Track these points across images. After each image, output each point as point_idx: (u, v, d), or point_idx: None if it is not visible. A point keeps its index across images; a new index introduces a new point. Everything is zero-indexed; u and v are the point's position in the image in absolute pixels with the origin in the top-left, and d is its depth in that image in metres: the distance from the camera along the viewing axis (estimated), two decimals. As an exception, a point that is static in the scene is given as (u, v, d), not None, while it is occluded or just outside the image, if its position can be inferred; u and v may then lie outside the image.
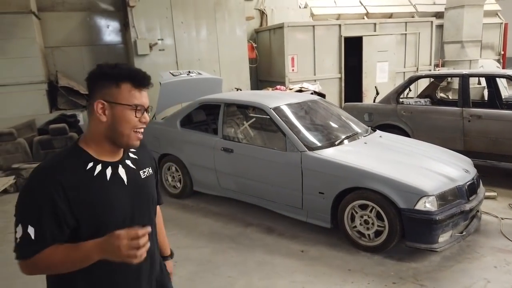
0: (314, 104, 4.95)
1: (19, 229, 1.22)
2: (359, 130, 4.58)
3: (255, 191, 4.39)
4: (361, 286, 3.15)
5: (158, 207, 1.69)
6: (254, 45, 9.27)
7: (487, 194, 4.73)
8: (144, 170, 1.48)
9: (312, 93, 7.33)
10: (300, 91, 7.61)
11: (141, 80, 1.34)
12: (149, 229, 1.18)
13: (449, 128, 5.55)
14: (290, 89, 7.82)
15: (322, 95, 7.56)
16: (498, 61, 12.09)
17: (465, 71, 5.89)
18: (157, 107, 5.66)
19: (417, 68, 10.11)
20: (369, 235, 3.62)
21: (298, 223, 4.15)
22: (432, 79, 7.07)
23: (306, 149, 3.96)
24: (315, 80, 8.65)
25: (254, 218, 4.43)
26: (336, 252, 3.68)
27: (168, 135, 5.25)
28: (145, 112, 1.36)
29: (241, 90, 8.07)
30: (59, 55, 8.13)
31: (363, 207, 3.62)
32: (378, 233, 3.57)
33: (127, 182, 1.38)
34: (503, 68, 11.86)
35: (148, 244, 1.18)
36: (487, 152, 5.37)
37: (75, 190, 1.25)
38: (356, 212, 3.66)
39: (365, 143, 4.25)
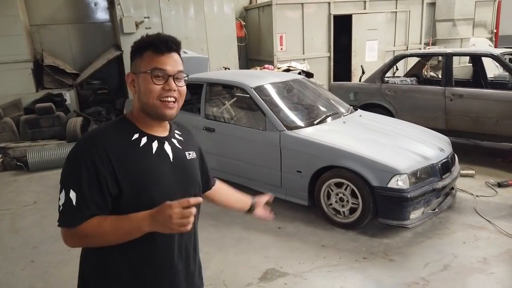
0: (297, 83, 4.97)
1: (62, 195, 1.20)
2: (340, 110, 4.62)
3: (236, 170, 4.45)
4: (333, 261, 3.25)
5: (218, 181, 1.71)
6: (243, 23, 9.18)
7: (466, 172, 4.84)
8: (190, 152, 1.43)
9: (300, 73, 7.32)
10: (288, 70, 7.59)
11: (160, 44, 1.26)
12: (200, 199, 1.17)
13: (432, 107, 5.60)
14: (278, 68, 7.80)
15: (310, 74, 7.57)
16: (490, 39, 12.03)
17: (449, 50, 5.91)
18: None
19: (407, 47, 10.07)
20: (344, 212, 3.72)
21: (277, 201, 4.18)
22: (418, 58, 7.06)
23: (285, 128, 4.01)
24: (304, 59, 8.62)
25: (235, 196, 4.51)
26: (312, 229, 3.78)
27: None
28: (170, 79, 1.26)
29: (229, 69, 8.05)
30: (45, 33, 8.04)
31: (339, 185, 3.70)
32: (352, 210, 3.67)
33: (172, 159, 1.34)
34: (495, 46, 11.82)
35: (194, 210, 1.12)
36: (468, 131, 5.44)
37: (119, 157, 1.22)
38: (332, 190, 3.74)
39: (343, 122, 4.30)
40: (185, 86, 1.33)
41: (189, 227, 1.12)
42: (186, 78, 1.33)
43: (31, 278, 3.19)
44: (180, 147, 1.40)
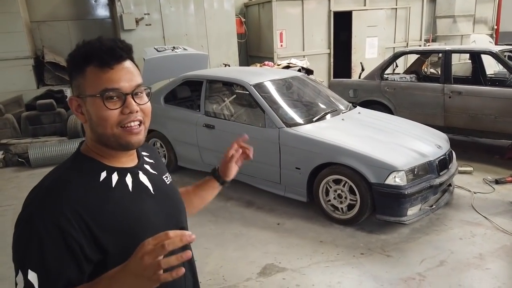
0: (297, 80, 5.00)
1: (19, 279, 0.89)
2: (339, 107, 4.65)
3: (236, 167, 4.49)
4: (331, 256, 3.30)
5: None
6: (243, 19, 9.19)
7: (464, 169, 4.88)
8: (166, 175, 1.19)
9: (300, 69, 7.34)
10: (287, 67, 7.61)
11: (104, 55, 0.95)
12: (186, 233, 0.81)
13: (431, 104, 5.63)
14: (278, 65, 7.82)
15: (310, 71, 7.59)
16: (491, 36, 12.03)
17: (448, 47, 5.93)
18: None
19: (407, 44, 10.08)
20: (342, 208, 3.76)
21: (276, 197, 4.28)
22: (418, 55, 7.08)
23: (284, 125, 4.04)
24: (304, 56, 8.64)
25: (235, 193, 4.55)
26: (311, 225, 3.82)
27: (152, 111, 5.29)
28: (128, 98, 0.97)
29: (229, 66, 8.07)
30: (45, 29, 8.06)
31: (337, 181, 3.74)
32: (350, 207, 3.71)
33: (153, 191, 1.08)
34: (496, 43, 11.81)
35: (189, 254, 0.80)
36: (467, 128, 5.47)
37: (93, 210, 0.93)
38: (330, 187, 3.78)
39: (342, 119, 4.33)
40: (149, 102, 1.04)
41: (176, 272, 0.79)
42: (149, 91, 1.05)
43: (33, 273, 3.23)
44: (155, 172, 1.14)
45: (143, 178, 1.08)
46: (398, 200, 3.44)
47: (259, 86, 4.42)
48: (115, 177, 1.01)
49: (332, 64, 9.20)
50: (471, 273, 3.03)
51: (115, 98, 0.96)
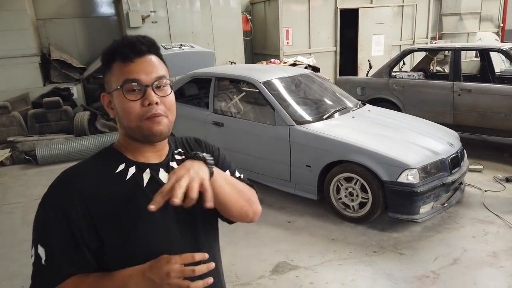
0: (305, 78, 4.97)
1: (32, 251, 0.97)
2: (348, 104, 4.63)
3: (245, 165, 4.47)
4: (343, 254, 3.28)
5: None
6: (249, 17, 9.16)
7: (473, 167, 4.84)
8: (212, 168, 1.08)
9: (306, 67, 7.32)
10: (294, 64, 7.59)
11: (125, 49, 0.99)
12: (206, 256, 0.90)
13: (440, 102, 5.60)
14: (284, 63, 7.79)
15: (316, 69, 7.56)
16: (497, 33, 11.96)
17: (457, 44, 5.88)
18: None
19: (413, 41, 10.03)
20: (353, 206, 3.74)
21: (286, 195, 4.26)
22: (426, 53, 7.04)
23: (294, 123, 4.02)
24: (310, 53, 8.61)
25: (244, 190, 4.53)
26: (322, 223, 3.81)
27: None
28: (148, 90, 0.99)
29: (235, 63, 8.05)
30: (51, 27, 8.05)
31: (348, 179, 3.72)
32: (362, 205, 3.69)
33: None
34: (502, 41, 11.75)
35: (211, 280, 0.89)
36: (476, 125, 5.44)
37: (98, 198, 0.98)
38: (342, 185, 3.76)
39: (353, 117, 4.31)
40: (172, 95, 1.04)
41: None
42: (171, 84, 1.05)
43: (45, 270, 3.22)
44: None
45: (162, 175, 1.06)
46: (411, 198, 3.41)
47: (268, 84, 4.40)
48: (131, 171, 1.03)
49: (338, 61, 9.16)
50: (485, 271, 3.01)
51: (136, 90, 0.99)
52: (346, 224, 3.75)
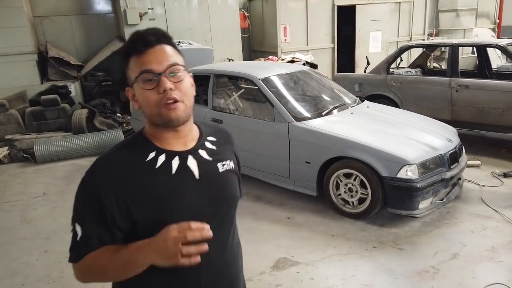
0: (304, 75, 4.98)
1: (72, 227, 1.08)
2: (347, 101, 4.64)
3: (244, 161, 4.43)
4: (343, 250, 3.30)
5: None
6: (246, 14, 9.15)
7: (471, 162, 4.87)
8: (224, 162, 1.20)
9: (304, 64, 7.32)
10: (292, 61, 7.59)
11: (137, 44, 1.07)
12: (206, 226, 0.93)
13: (437, 98, 5.62)
14: (282, 60, 7.79)
15: (314, 66, 7.56)
16: (493, 30, 12.00)
17: (455, 40, 5.91)
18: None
19: (411, 38, 10.05)
20: (353, 202, 3.75)
21: (285, 192, 4.27)
22: (423, 49, 7.06)
23: (293, 119, 4.03)
24: (307, 50, 8.61)
25: (244, 187, 4.52)
26: (321, 219, 3.82)
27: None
28: (161, 78, 1.05)
29: (233, 60, 8.04)
30: (48, 24, 8.01)
31: (348, 175, 3.74)
32: (361, 201, 3.70)
33: (199, 176, 1.12)
34: (498, 37, 11.79)
35: (206, 247, 0.93)
36: (473, 121, 5.46)
37: (131, 186, 1.05)
38: (341, 181, 3.77)
39: (351, 113, 4.32)
40: (186, 79, 1.10)
41: (193, 259, 0.93)
42: (183, 69, 1.10)
43: (45, 268, 3.23)
44: (211, 158, 1.18)
45: (191, 162, 1.13)
46: (410, 193, 3.43)
47: (267, 80, 4.40)
48: (161, 159, 1.10)
49: (336, 58, 9.17)
50: (485, 266, 3.03)
51: (152, 80, 1.06)
52: (346, 220, 3.76)
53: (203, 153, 1.17)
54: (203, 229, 0.92)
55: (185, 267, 0.94)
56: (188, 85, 1.11)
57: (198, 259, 0.93)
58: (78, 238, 1.05)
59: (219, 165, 1.20)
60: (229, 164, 1.23)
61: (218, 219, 1.17)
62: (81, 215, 1.07)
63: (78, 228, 1.06)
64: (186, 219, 1.00)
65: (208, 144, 1.20)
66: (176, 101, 1.06)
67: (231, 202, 1.23)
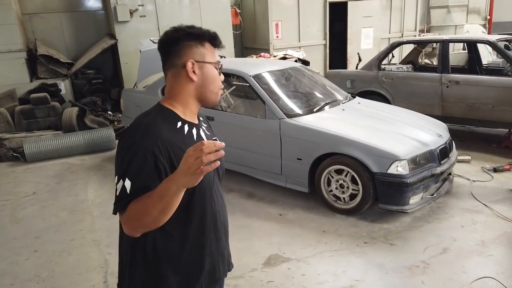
0: (295, 71, 4.97)
1: (119, 185, 1.21)
2: (338, 97, 4.64)
3: (236, 158, 4.46)
4: (334, 246, 3.30)
5: None
6: (238, 11, 9.09)
7: (462, 158, 4.91)
8: (215, 138, 1.44)
9: (296, 60, 7.31)
10: (284, 58, 7.57)
11: (218, 40, 1.38)
12: (222, 144, 1.09)
13: (428, 94, 5.65)
14: (274, 57, 7.77)
15: (306, 62, 7.55)
16: (484, 26, 12.08)
17: (445, 36, 5.93)
18: (138, 76, 5.62)
19: (402, 34, 10.09)
20: (344, 198, 3.76)
21: (277, 189, 4.27)
22: (414, 45, 7.08)
23: (284, 116, 4.02)
24: (299, 47, 8.59)
25: (236, 184, 4.54)
26: (313, 215, 3.83)
27: (149, 104, 5.20)
28: (220, 69, 1.41)
29: (224, 57, 7.99)
30: (37, 22, 7.90)
31: (339, 171, 3.74)
32: (352, 196, 3.72)
33: None
34: (489, 33, 11.87)
35: (222, 152, 1.08)
36: (464, 117, 5.50)
37: (174, 146, 1.25)
38: (332, 177, 3.78)
39: (343, 109, 4.32)
40: None
41: (214, 165, 1.08)
42: None
43: (35, 267, 3.20)
44: (209, 133, 1.47)
45: (202, 133, 1.42)
46: (401, 189, 3.45)
47: (259, 77, 4.39)
48: (186, 127, 1.35)
49: (328, 55, 9.17)
50: (474, 260, 3.06)
51: (219, 70, 1.39)
52: (337, 216, 3.77)
53: (204, 127, 1.47)
54: (214, 142, 1.08)
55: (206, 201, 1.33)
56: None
57: (218, 163, 1.09)
58: (127, 191, 1.19)
59: (213, 139, 1.42)
60: (217, 140, 1.47)
61: (218, 179, 1.49)
62: (133, 171, 1.20)
63: (128, 183, 1.19)
64: (207, 174, 1.21)
65: (203, 123, 1.49)
66: None
67: (223, 167, 1.55)
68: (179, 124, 1.34)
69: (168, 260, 1.33)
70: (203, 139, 1.38)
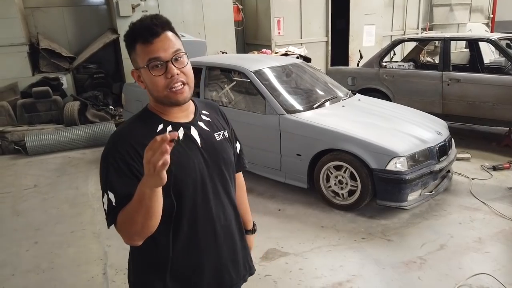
0: (296, 68, 4.98)
1: (104, 199, 1.18)
2: (338, 94, 4.65)
3: (236, 153, 4.48)
4: (332, 241, 3.33)
5: (240, 174, 1.64)
6: (240, 7, 9.09)
7: (461, 155, 4.92)
8: (219, 132, 1.38)
9: (298, 57, 7.31)
10: (285, 55, 7.57)
11: (144, 33, 1.18)
12: (174, 133, 0.99)
13: (429, 91, 5.65)
14: (276, 53, 7.77)
15: (307, 59, 7.56)
16: (487, 24, 12.05)
17: (447, 34, 5.92)
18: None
19: (404, 32, 10.07)
20: (343, 194, 3.78)
21: (277, 184, 4.29)
22: (416, 43, 7.08)
23: (284, 112, 4.04)
24: (301, 44, 8.60)
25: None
26: (312, 211, 3.85)
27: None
28: (168, 64, 1.19)
29: (226, 53, 8.01)
30: (39, 16, 7.92)
31: (338, 168, 3.76)
32: (351, 193, 3.73)
33: (200, 144, 1.30)
34: (492, 31, 11.84)
35: (176, 134, 0.98)
36: (465, 115, 5.50)
37: None
38: (331, 173, 3.80)
39: (343, 106, 4.34)
40: (189, 64, 1.25)
41: (161, 165, 0.98)
42: (187, 55, 1.25)
43: (36, 259, 3.23)
44: (208, 129, 1.36)
45: (193, 132, 1.31)
46: (399, 185, 3.46)
47: (259, 73, 4.40)
48: (169, 129, 1.26)
49: (329, 52, 9.17)
50: (471, 256, 3.08)
51: (159, 66, 1.19)
52: (336, 211, 3.79)
53: (201, 124, 1.35)
54: (165, 137, 0.97)
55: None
56: (190, 68, 1.26)
57: (167, 159, 0.98)
58: (113, 203, 1.16)
59: (216, 134, 1.37)
60: (224, 134, 1.41)
61: (219, 179, 1.35)
62: (113, 182, 1.17)
63: (111, 195, 1.17)
64: (194, 178, 1.25)
65: (204, 117, 1.38)
66: (183, 84, 1.22)
67: (228, 166, 1.40)
68: (160, 126, 1.26)
69: (163, 266, 1.30)
70: (194, 139, 1.30)
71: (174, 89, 1.21)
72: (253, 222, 1.74)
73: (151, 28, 1.18)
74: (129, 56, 1.26)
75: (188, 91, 1.25)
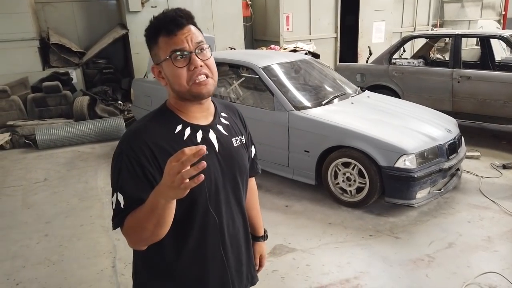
0: (305, 64, 4.97)
1: (113, 199, 1.14)
2: (347, 90, 4.63)
3: (244, 149, 4.49)
4: (340, 238, 3.33)
5: (252, 179, 1.56)
6: (249, 2, 9.06)
7: (471, 154, 4.88)
8: (237, 138, 1.33)
9: (306, 53, 7.28)
10: (294, 51, 7.55)
11: (169, 25, 1.15)
12: (201, 147, 0.92)
13: (439, 89, 5.60)
14: (284, 49, 7.75)
15: (316, 55, 7.53)
16: (498, 21, 11.89)
17: (457, 31, 5.86)
18: (148, 66, 5.65)
19: (414, 28, 9.98)
20: (350, 191, 3.78)
21: (284, 180, 4.30)
22: (426, 40, 7.01)
23: (293, 108, 4.03)
24: (310, 40, 8.56)
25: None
26: (319, 207, 3.85)
27: (158, 93, 5.27)
28: (192, 56, 1.15)
29: (235, 49, 8.00)
30: (50, 11, 7.97)
31: (346, 164, 3.75)
32: (359, 190, 3.72)
33: (218, 148, 1.24)
34: (503, 29, 11.68)
35: (203, 164, 0.92)
36: (475, 113, 5.45)
37: (163, 154, 1.12)
38: (339, 170, 3.79)
39: (351, 103, 4.32)
40: (212, 58, 1.21)
41: (197, 179, 0.93)
42: (210, 48, 1.21)
43: (46, 251, 3.28)
44: (226, 133, 1.30)
45: (212, 136, 1.25)
46: (408, 183, 3.45)
47: (268, 69, 4.39)
48: (187, 131, 1.21)
49: (338, 48, 9.12)
50: (480, 255, 3.06)
51: (181, 57, 1.15)
52: (343, 208, 3.79)
53: (220, 128, 1.29)
54: (195, 150, 0.92)
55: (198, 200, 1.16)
56: (213, 62, 1.21)
57: (201, 177, 0.93)
58: (122, 205, 1.12)
59: (233, 140, 1.32)
60: (241, 140, 1.36)
61: (231, 187, 1.30)
62: (123, 184, 1.13)
63: (120, 197, 1.13)
64: (208, 185, 1.19)
65: (223, 120, 1.32)
66: (207, 76, 1.17)
67: (242, 173, 1.34)
68: (179, 127, 1.21)
69: (167, 273, 1.27)
70: (212, 143, 1.23)
71: (197, 81, 1.16)
72: (264, 229, 1.66)
73: (176, 19, 1.15)
74: (150, 52, 1.22)
75: (212, 84, 1.19)
